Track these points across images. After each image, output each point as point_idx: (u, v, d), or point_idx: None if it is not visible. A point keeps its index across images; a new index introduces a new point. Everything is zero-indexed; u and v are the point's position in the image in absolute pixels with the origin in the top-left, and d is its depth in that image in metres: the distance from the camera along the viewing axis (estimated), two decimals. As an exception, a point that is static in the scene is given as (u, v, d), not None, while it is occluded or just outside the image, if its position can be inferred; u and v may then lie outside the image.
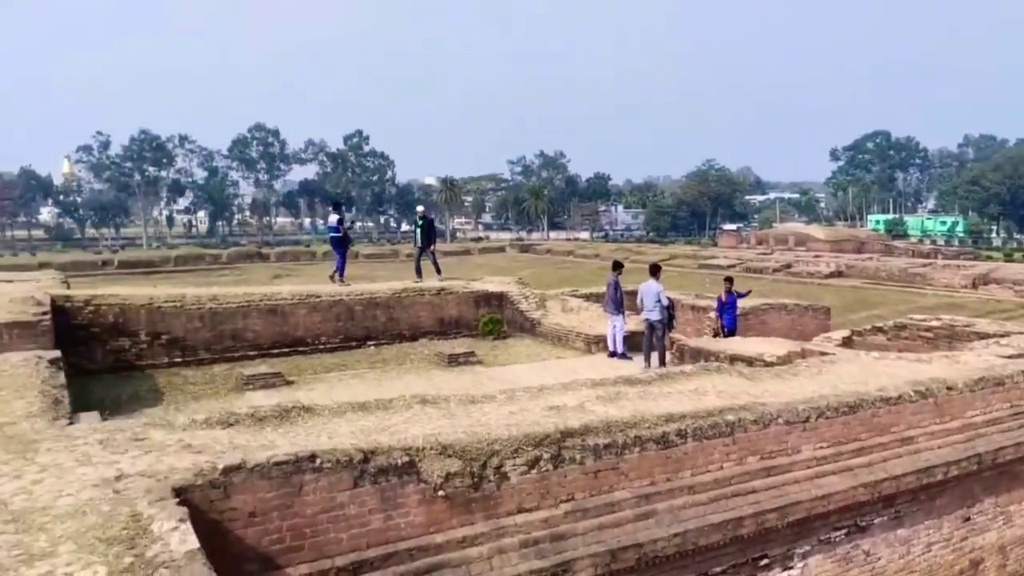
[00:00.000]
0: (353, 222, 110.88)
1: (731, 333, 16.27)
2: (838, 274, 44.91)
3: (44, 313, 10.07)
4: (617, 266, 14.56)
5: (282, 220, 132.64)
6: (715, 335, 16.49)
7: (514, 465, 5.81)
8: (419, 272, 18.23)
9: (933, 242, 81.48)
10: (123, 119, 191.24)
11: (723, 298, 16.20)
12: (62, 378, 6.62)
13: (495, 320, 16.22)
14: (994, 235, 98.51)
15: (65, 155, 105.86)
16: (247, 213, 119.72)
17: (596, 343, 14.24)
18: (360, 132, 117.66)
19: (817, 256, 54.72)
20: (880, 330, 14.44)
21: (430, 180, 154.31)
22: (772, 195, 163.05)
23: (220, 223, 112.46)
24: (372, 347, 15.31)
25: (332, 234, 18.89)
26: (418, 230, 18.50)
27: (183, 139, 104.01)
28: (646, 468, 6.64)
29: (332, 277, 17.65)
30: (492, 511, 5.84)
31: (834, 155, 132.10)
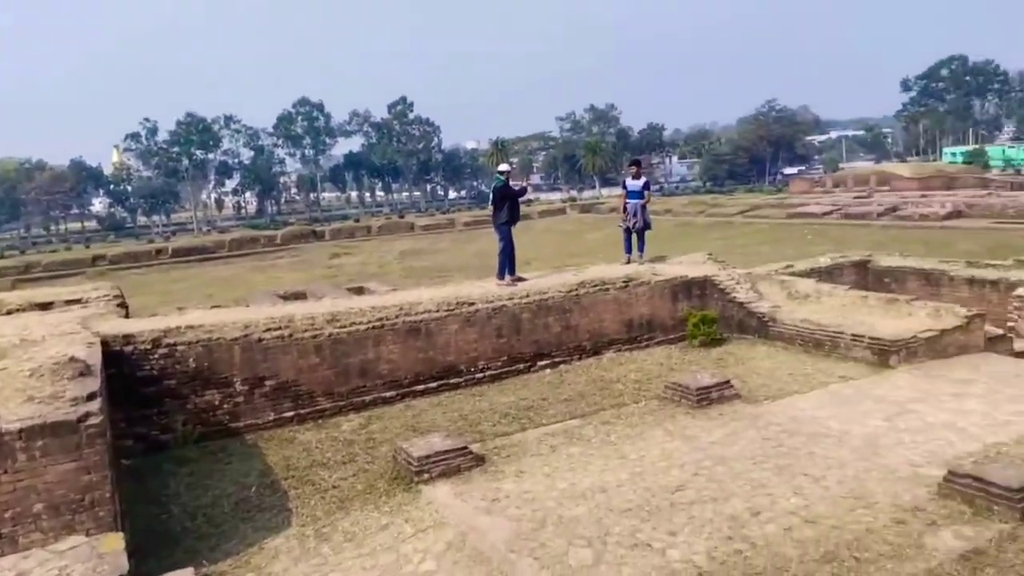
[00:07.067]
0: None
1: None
2: (957, 214, 38.52)
3: (91, 397, 5.77)
4: None
5: (328, 195, 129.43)
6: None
7: None
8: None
9: (1017, 171, 72.59)
10: (171, 105, 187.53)
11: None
12: None
13: (708, 320, 11.61)
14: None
15: (114, 144, 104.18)
16: (293, 191, 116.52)
17: (896, 352, 9.57)
18: (404, 99, 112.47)
19: (925, 195, 48.62)
20: None
21: (473, 144, 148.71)
22: (834, 134, 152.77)
23: (268, 202, 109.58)
24: (547, 370, 10.89)
25: (631, 200, 14.01)
26: (492, 195, 12.40)
27: (228, 119, 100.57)
28: None
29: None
30: None
31: (905, 85, 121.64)
